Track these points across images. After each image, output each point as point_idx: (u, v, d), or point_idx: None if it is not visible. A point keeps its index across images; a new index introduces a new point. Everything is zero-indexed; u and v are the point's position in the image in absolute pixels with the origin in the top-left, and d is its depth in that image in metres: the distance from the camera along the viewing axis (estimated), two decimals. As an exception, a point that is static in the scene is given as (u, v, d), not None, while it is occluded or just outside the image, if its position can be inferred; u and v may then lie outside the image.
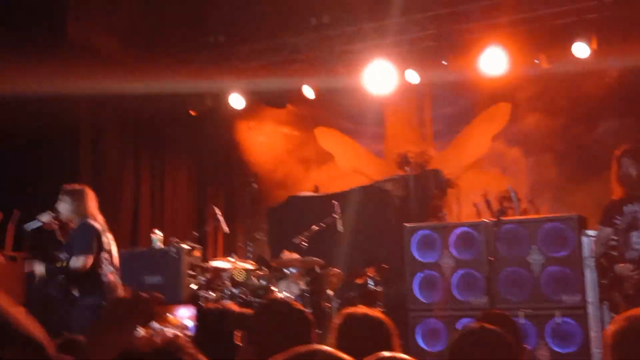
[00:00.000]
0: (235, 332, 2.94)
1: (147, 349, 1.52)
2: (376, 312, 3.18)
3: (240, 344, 2.88)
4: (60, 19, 9.40)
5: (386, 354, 2.16)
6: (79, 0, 9.53)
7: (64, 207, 6.15)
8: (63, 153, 9.97)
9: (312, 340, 2.87)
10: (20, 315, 1.02)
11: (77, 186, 6.32)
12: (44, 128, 9.35)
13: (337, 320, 3.17)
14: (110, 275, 6.10)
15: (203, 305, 4.23)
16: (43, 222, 6.25)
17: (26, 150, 9.58)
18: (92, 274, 6.00)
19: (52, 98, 8.61)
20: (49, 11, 9.22)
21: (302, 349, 1.53)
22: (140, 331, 2.22)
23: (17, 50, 8.44)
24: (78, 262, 5.95)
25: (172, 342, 1.55)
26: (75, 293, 6.00)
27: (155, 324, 2.44)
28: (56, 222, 6.32)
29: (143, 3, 9.94)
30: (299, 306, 3.05)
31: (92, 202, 6.27)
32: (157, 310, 2.31)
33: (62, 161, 9.91)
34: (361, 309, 3.21)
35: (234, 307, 3.40)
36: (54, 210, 6.23)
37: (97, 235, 6.08)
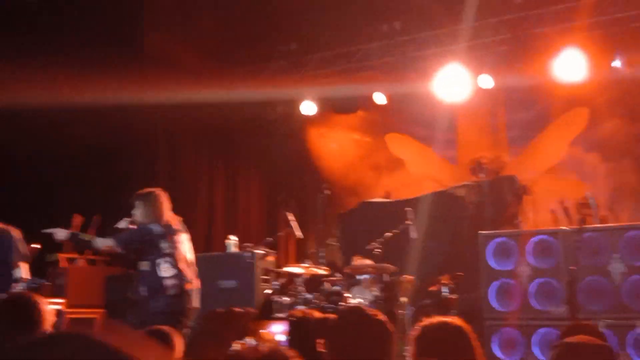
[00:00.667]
0: (317, 340, 2.94)
1: (253, 357, 1.55)
2: (455, 320, 3.11)
3: (323, 351, 2.88)
4: (137, 32, 9.67)
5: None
6: (155, 14, 9.76)
7: (138, 211, 6.29)
8: (141, 161, 10.25)
9: (393, 351, 2.84)
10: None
11: (148, 190, 6.44)
12: (123, 137, 9.65)
13: (415, 332, 3.11)
14: (170, 279, 6.14)
15: (290, 315, 4.21)
16: (120, 229, 6.41)
17: (106, 159, 9.89)
18: (153, 277, 6.10)
19: (130, 109, 8.88)
20: (126, 25, 9.50)
21: None
22: (236, 346, 2.26)
23: (97, 63, 8.73)
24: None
25: (277, 351, 1.57)
26: (144, 293, 6.11)
27: (250, 339, 2.48)
28: (133, 227, 6.47)
29: (217, 15, 10.12)
30: (381, 317, 3.03)
31: (163, 204, 6.37)
32: (250, 325, 2.35)
33: (140, 168, 10.19)
34: (439, 319, 3.15)
35: (316, 314, 3.40)
36: (130, 216, 6.37)
37: (150, 238, 6.17)
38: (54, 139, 9.37)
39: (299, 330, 3.35)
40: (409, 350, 3.05)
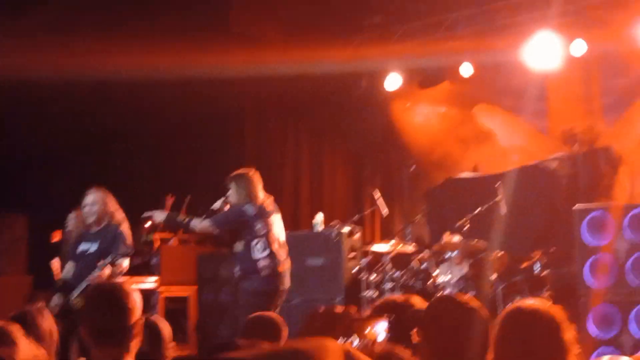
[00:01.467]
0: (412, 330, 2.87)
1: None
2: (549, 307, 2.91)
3: (418, 342, 2.81)
4: (224, 7, 9.75)
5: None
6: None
7: (231, 193, 6.42)
8: (227, 137, 10.40)
9: (489, 340, 2.74)
10: None
11: (242, 171, 6.54)
12: (209, 113, 9.79)
13: (501, 315, 2.97)
14: (264, 260, 6.24)
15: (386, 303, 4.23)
16: (216, 210, 6.53)
17: (195, 137, 10.08)
18: (247, 258, 6.18)
19: (216, 84, 8.97)
20: (212, 1, 9.59)
21: None
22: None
23: (183, 37, 8.85)
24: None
25: (391, 351, 1.52)
26: (238, 274, 6.22)
27: (355, 338, 2.45)
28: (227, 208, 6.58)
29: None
30: (473, 303, 2.91)
31: (257, 185, 6.46)
32: (354, 324, 2.32)
33: (227, 145, 10.34)
34: (530, 304, 2.97)
35: (417, 301, 3.30)
36: (226, 197, 6.51)
37: (245, 219, 6.26)
38: (141, 115, 9.58)
39: (398, 322, 3.25)
40: (491, 335, 2.92)
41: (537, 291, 7.15)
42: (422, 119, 10.88)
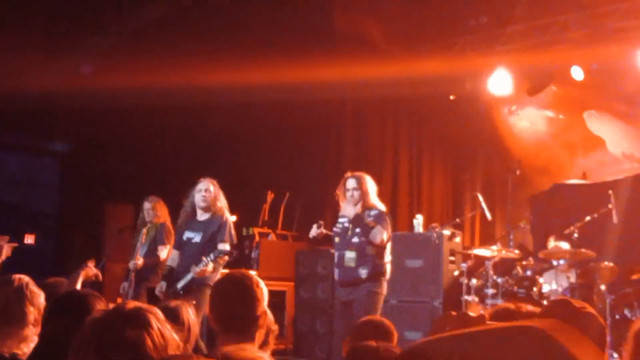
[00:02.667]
0: None
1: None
2: None
3: None
4: (328, 12, 9.82)
5: None
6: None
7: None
8: (329, 138, 10.46)
9: (605, 347, 2.61)
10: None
11: (357, 173, 6.57)
12: (312, 115, 9.88)
13: (636, 327, 2.83)
14: (388, 264, 6.35)
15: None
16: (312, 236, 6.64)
17: (296, 136, 10.19)
18: (379, 262, 6.27)
19: (320, 88, 9.05)
20: (318, 5, 9.68)
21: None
22: None
23: (289, 43, 8.98)
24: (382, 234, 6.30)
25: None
26: (364, 276, 6.23)
27: None
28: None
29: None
30: (590, 309, 2.78)
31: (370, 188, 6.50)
32: None
33: (328, 146, 10.40)
34: None
35: (526, 307, 3.19)
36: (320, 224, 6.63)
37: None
38: (247, 118, 9.80)
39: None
40: (624, 347, 2.79)
41: (649, 305, 6.84)
42: (527, 122, 10.60)
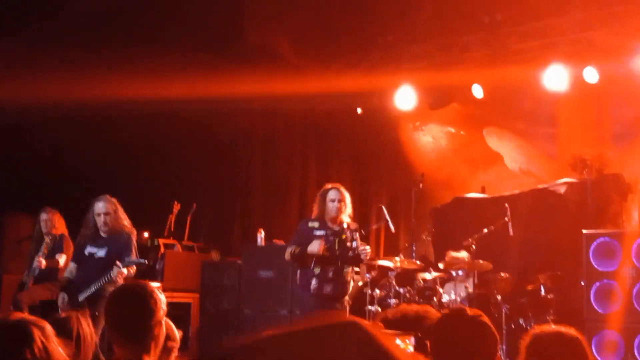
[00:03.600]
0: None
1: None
2: (571, 331, 2.95)
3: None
4: (237, 25, 9.85)
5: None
6: (256, 4, 9.90)
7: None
8: (238, 150, 10.46)
9: (497, 357, 2.74)
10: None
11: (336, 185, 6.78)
12: (220, 129, 9.87)
13: (526, 341, 2.99)
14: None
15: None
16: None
17: (205, 148, 10.14)
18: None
19: (229, 99, 9.06)
20: (227, 18, 9.69)
21: None
22: None
23: (200, 53, 8.96)
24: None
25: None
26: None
27: None
28: None
29: (314, 6, 10.16)
30: (484, 319, 2.92)
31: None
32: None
33: (236, 160, 10.40)
34: (553, 328, 3.01)
35: (433, 313, 3.30)
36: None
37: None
38: (151, 130, 9.69)
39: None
40: (517, 358, 2.95)
41: (542, 314, 7.15)
42: (430, 138, 10.93)
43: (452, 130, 10.94)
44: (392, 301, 7.51)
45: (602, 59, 8.79)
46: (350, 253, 6.40)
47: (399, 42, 10.08)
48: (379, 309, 7.58)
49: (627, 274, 6.83)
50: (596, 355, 6.82)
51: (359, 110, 10.72)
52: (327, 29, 10.33)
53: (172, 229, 9.45)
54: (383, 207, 7.90)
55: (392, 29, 10.19)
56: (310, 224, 6.51)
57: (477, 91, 9.72)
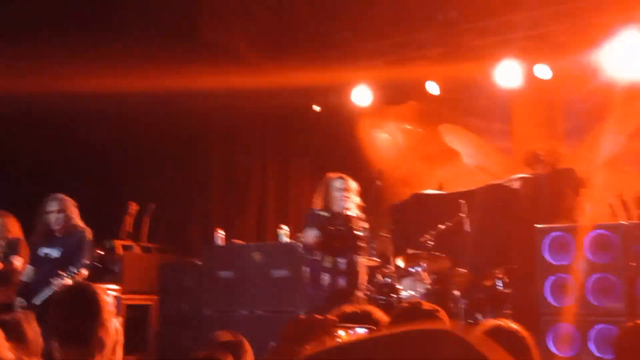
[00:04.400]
0: None
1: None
2: (510, 324, 2.99)
3: None
4: (194, 20, 9.76)
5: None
6: (212, 1, 9.84)
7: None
8: (196, 149, 10.38)
9: None
10: None
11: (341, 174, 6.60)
12: (177, 126, 9.76)
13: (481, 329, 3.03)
14: None
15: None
16: None
17: (163, 147, 10.03)
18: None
19: (185, 97, 8.98)
20: (183, 13, 9.59)
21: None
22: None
23: (153, 50, 8.84)
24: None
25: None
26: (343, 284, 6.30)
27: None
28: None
29: (271, 2, 10.15)
30: (441, 313, 2.95)
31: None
32: (331, 332, 2.32)
33: (195, 157, 10.31)
34: (492, 322, 3.05)
35: (374, 311, 3.32)
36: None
37: None
38: (115, 128, 9.54)
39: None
40: None
41: (499, 309, 7.27)
42: (388, 135, 11.00)
43: (409, 127, 11.02)
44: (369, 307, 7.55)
45: (555, 56, 8.95)
46: (359, 243, 6.28)
47: (355, 39, 10.12)
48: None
49: (580, 268, 6.96)
50: (552, 348, 6.96)
51: (317, 108, 10.74)
52: (284, 26, 10.33)
53: (130, 229, 9.34)
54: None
55: (348, 26, 10.23)
56: (321, 213, 6.32)
57: (433, 88, 9.82)
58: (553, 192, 8.56)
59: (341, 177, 6.35)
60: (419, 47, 9.81)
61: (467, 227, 7.67)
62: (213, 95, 9.71)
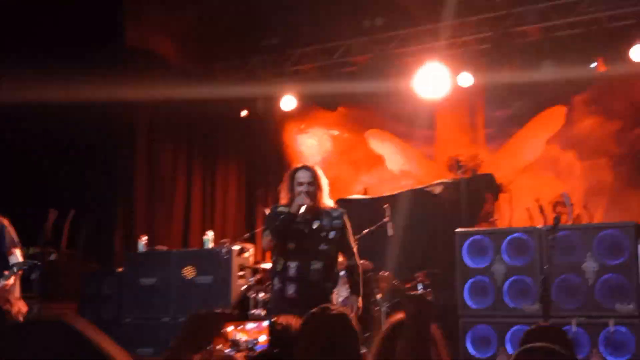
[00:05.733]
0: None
1: None
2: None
3: None
4: (119, 23, 9.60)
5: None
6: (137, 4, 9.69)
7: None
8: (120, 155, 10.19)
9: (358, 350, 2.78)
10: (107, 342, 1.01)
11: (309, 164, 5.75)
12: (101, 132, 9.58)
13: (383, 329, 3.08)
14: None
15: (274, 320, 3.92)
16: None
17: (85, 153, 9.81)
18: (337, 274, 5.79)
19: (109, 103, 8.81)
20: (107, 15, 9.42)
21: None
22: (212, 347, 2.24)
23: (77, 54, 8.65)
24: None
25: None
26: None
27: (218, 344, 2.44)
28: None
29: (199, 8, 10.07)
30: (347, 315, 2.96)
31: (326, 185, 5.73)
32: (224, 327, 2.32)
33: (118, 163, 10.13)
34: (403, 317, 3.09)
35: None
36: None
37: None
38: (34, 135, 9.29)
39: (281, 339, 3.29)
40: (372, 347, 3.04)
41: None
42: (315, 140, 11.06)
43: (336, 132, 11.11)
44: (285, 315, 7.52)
45: (476, 64, 9.17)
46: (322, 246, 5.33)
47: (283, 45, 10.15)
48: (263, 313, 7.58)
49: (498, 271, 7.13)
50: (470, 350, 7.10)
51: (244, 113, 10.71)
52: (211, 31, 10.26)
53: (49, 237, 9.10)
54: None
55: (275, 33, 10.26)
56: (280, 209, 5.33)
57: (360, 94, 9.92)
58: (473, 196, 8.74)
59: (305, 167, 5.46)
60: (346, 54, 9.91)
61: (390, 231, 7.75)
62: (140, 102, 9.58)
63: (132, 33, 9.73)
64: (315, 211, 5.36)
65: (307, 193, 5.28)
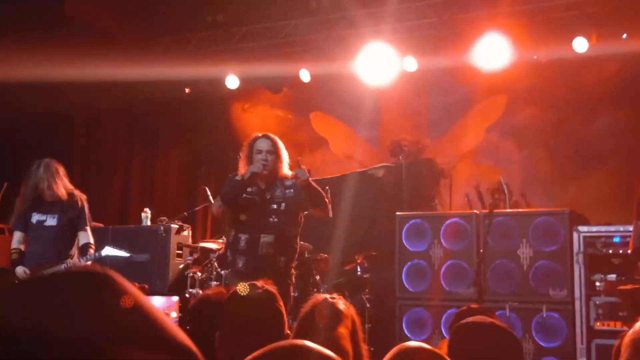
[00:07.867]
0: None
1: None
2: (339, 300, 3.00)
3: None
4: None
5: (411, 344, 2.03)
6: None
7: None
8: (58, 128, 9.91)
9: (285, 334, 2.73)
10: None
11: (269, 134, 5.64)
12: (38, 109, 9.27)
13: (303, 310, 3.01)
14: None
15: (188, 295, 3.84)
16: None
17: (20, 128, 9.51)
18: (294, 247, 5.56)
19: (47, 79, 8.54)
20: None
21: (282, 344, 1.34)
22: None
23: (14, 26, 8.36)
24: None
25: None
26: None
27: None
28: None
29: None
30: (271, 291, 2.91)
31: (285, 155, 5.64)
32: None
33: (55, 140, 9.85)
34: (321, 298, 3.05)
35: (219, 295, 3.25)
36: None
37: None
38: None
39: (195, 312, 3.21)
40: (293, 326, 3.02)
41: (358, 293, 7.41)
42: (259, 120, 10.96)
43: (280, 113, 11.03)
44: (214, 284, 7.47)
45: (421, 49, 9.20)
46: (273, 218, 5.10)
47: (228, 22, 9.99)
48: (200, 292, 7.50)
49: (436, 254, 7.21)
50: (407, 332, 7.17)
51: (187, 90, 10.53)
52: (155, 4, 10.03)
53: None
54: (206, 188, 7.81)
55: (221, 9, 10.08)
56: (237, 178, 5.16)
57: (305, 76, 9.85)
58: (414, 181, 8.81)
59: (266, 136, 5.31)
60: (291, 34, 9.80)
61: (329, 213, 7.73)
62: (79, 77, 9.31)
63: (71, 3, 9.44)
64: (271, 182, 5.19)
65: (266, 162, 5.14)
